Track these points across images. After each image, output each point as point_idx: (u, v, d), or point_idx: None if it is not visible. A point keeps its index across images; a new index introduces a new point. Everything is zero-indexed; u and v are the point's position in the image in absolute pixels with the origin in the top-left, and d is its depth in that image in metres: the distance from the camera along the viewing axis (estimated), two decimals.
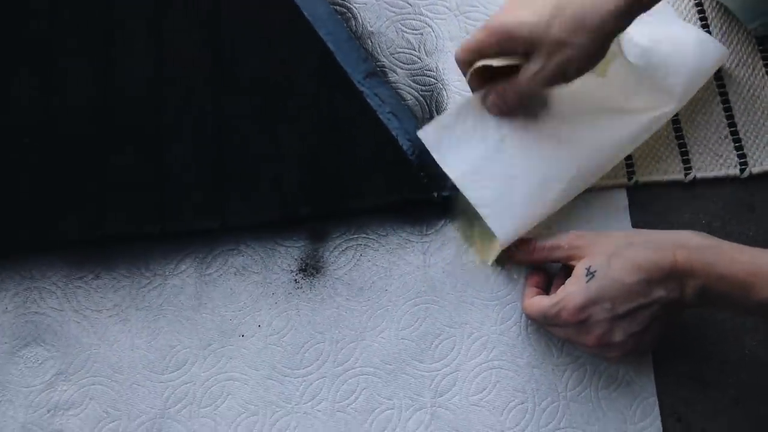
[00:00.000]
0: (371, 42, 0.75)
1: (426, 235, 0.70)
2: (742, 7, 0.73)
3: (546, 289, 0.66)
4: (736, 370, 0.66)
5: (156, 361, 0.67)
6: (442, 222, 0.70)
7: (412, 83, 0.74)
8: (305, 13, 0.75)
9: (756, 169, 0.71)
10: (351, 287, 0.68)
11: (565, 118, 0.66)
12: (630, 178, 0.71)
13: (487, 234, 0.67)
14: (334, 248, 0.70)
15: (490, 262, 0.68)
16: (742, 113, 0.73)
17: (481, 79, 0.64)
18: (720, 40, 0.74)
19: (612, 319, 0.59)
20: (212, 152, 0.71)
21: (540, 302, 0.62)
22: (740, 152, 0.71)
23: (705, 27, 0.75)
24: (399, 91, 0.74)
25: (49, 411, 0.65)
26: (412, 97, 0.73)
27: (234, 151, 0.71)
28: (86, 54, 0.74)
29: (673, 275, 0.58)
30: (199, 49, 0.74)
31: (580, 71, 0.59)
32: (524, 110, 0.66)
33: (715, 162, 0.71)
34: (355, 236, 0.70)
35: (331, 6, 0.76)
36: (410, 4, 0.77)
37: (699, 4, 0.76)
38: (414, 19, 0.76)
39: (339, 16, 0.76)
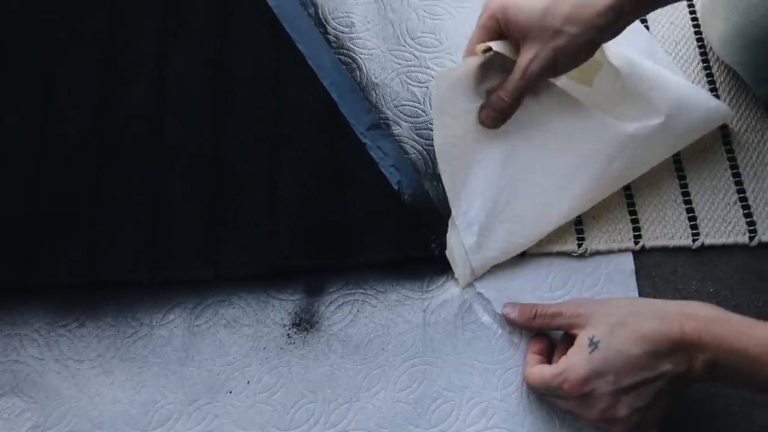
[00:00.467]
0: (375, 93, 0.74)
1: (427, 291, 0.68)
2: (751, 72, 0.72)
3: (549, 355, 0.64)
4: None
5: (138, 417, 0.64)
6: (444, 278, 0.68)
7: (416, 137, 0.73)
8: (309, 62, 0.74)
9: (766, 238, 0.69)
10: (346, 344, 0.66)
11: (553, 128, 0.67)
12: (636, 242, 0.69)
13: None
14: (330, 303, 0.68)
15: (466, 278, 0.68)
16: (751, 179, 0.72)
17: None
18: (729, 104, 0.74)
19: (616, 392, 0.56)
20: (208, 198, 0.70)
21: (541, 372, 0.60)
22: (749, 219, 0.70)
23: (713, 90, 0.75)
24: (402, 144, 0.72)
25: None
26: (415, 151, 0.72)
27: (231, 198, 0.70)
28: (83, 88, 0.73)
29: (680, 347, 0.56)
30: (200, 91, 0.73)
31: (570, 63, 0.62)
32: (516, 124, 0.67)
33: (723, 229, 0.70)
34: (353, 291, 0.68)
35: (337, 56, 0.75)
36: (416, 57, 0.76)
37: (708, 68, 0.75)
38: (420, 72, 0.76)
39: (344, 66, 0.75)
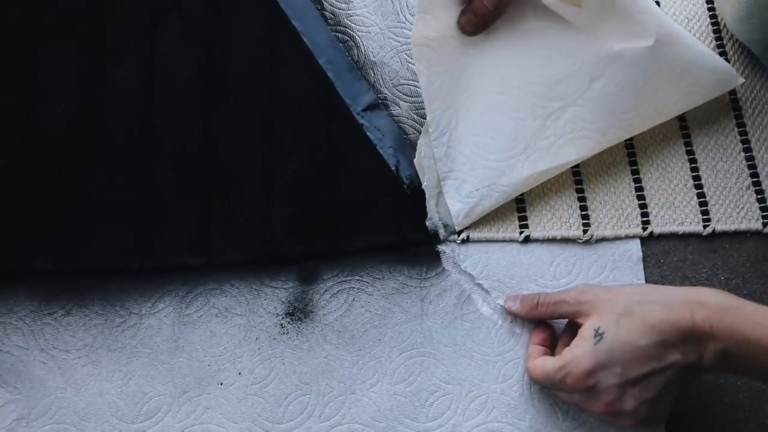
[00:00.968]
0: (374, 73, 0.72)
1: (425, 279, 0.66)
2: (767, 51, 0.69)
3: (552, 346, 0.62)
4: None
5: (126, 409, 0.62)
6: (443, 265, 0.66)
7: (415, 116, 0.71)
8: (305, 40, 0.72)
9: None
10: (341, 335, 0.64)
11: (535, 43, 0.66)
12: (644, 228, 0.67)
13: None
14: (325, 291, 0.66)
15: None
16: (765, 163, 0.69)
17: None
18: (742, 85, 0.71)
19: (622, 385, 0.54)
20: (198, 182, 0.68)
21: (544, 365, 0.58)
22: (763, 205, 0.68)
23: None
24: (401, 124, 0.70)
25: None
26: (415, 132, 0.70)
27: (222, 181, 0.68)
28: (69, 70, 0.71)
29: (690, 337, 0.54)
30: (192, 70, 0.71)
31: None
32: (496, 36, 0.67)
33: (735, 214, 0.68)
34: (348, 278, 0.66)
35: (333, 33, 0.73)
36: None
37: (721, 46, 0.73)
38: None
39: (341, 44, 0.73)
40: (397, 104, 0.71)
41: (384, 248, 0.67)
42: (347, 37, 0.73)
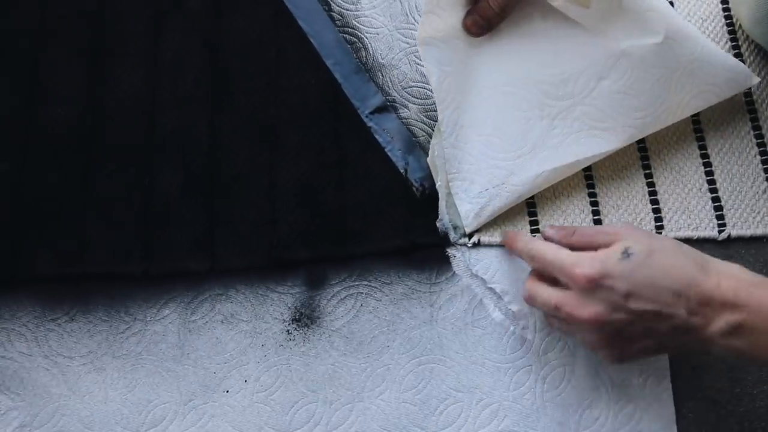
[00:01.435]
0: (382, 74, 0.71)
1: (435, 284, 0.65)
2: None
3: None
4: None
5: (131, 417, 0.62)
6: (454, 269, 0.66)
7: (425, 119, 0.70)
8: (312, 41, 0.71)
9: None
10: (349, 341, 0.64)
11: (541, 43, 0.66)
12: (658, 233, 0.66)
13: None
14: (332, 296, 0.65)
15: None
16: None
17: None
18: (759, 88, 0.70)
19: (619, 307, 0.53)
20: (203, 185, 0.67)
21: (558, 252, 0.57)
22: None
23: None
24: (410, 127, 0.69)
25: None
26: (424, 134, 0.69)
27: (227, 185, 0.67)
28: (72, 71, 0.71)
29: (707, 301, 0.53)
30: (195, 72, 0.71)
31: None
32: (501, 36, 0.66)
33: (752, 219, 0.67)
34: (356, 283, 0.65)
35: (341, 34, 0.72)
36: None
37: (736, 47, 0.72)
38: None
39: (349, 46, 0.72)
40: (406, 107, 0.70)
41: (393, 252, 0.66)
42: (355, 39, 0.72)
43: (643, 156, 0.68)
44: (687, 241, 0.66)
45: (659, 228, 0.66)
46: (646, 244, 0.55)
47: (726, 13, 0.73)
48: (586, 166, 0.67)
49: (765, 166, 0.68)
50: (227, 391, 0.62)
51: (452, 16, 0.65)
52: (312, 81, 0.70)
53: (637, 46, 0.64)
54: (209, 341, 0.63)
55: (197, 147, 0.68)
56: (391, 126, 0.69)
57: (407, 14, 0.73)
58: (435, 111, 0.69)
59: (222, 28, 0.72)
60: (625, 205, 0.67)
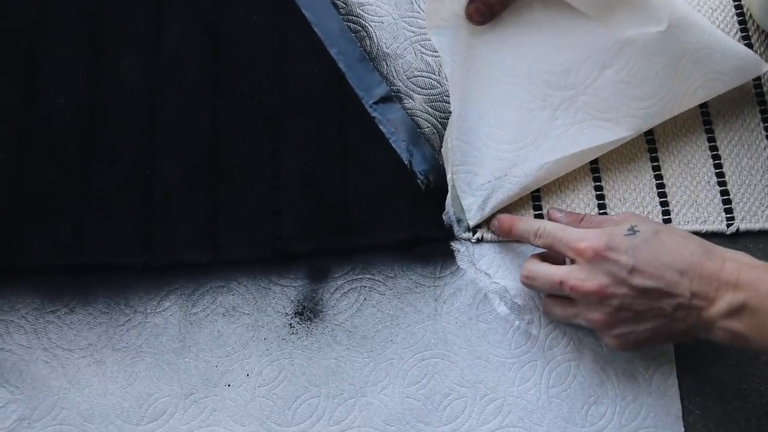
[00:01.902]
0: (387, 64, 0.70)
1: (439, 278, 0.64)
2: None
3: None
4: None
5: (131, 410, 0.61)
6: (458, 263, 0.65)
7: (429, 109, 0.69)
8: (316, 30, 0.71)
9: None
10: (352, 335, 0.63)
11: (543, 32, 0.65)
12: None
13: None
14: (336, 290, 0.64)
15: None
16: None
17: None
18: None
19: (622, 281, 0.54)
20: (205, 176, 0.67)
21: (565, 230, 0.58)
22: None
23: None
24: (415, 118, 0.69)
25: None
26: (429, 125, 0.68)
27: (229, 175, 0.67)
28: (72, 60, 0.70)
29: (710, 281, 0.53)
30: (196, 61, 0.70)
31: None
32: (504, 25, 0.66)
33: (761, 213, 0.66)
34: (360, 277, 0.64)
35: (345, 23, 0.71)
36: None
37: (747, 38, 0.71)
38: None
39: (353, 35, 0.71)
40: (410, 97, 0.69)
41: (397, 245, 0.65)
42: (359, 27, 0.71)
43: (651, 148, 0.68)
44: (695, 234, 0.64)
45: (667, 221, 0.65)
46: (653, 225, 0.56)
47: (736, 2, 0.72)
48: (590, 159, 0.66)
49: None
50: (229, 385, 0.62)
51: (455, 3, 0.64)
52: (315, 70, 0.70)
53: (640, 34, 0.63)
54: (210, 334, 0.63)
55: (199, 136, 0.68)
56: (395, 116, 0.68)
57: (412, 2, 0.72)
58: (440, 102, 0.69)
59: (224, 15, 0.71)
60: (632, 198, 0.66)
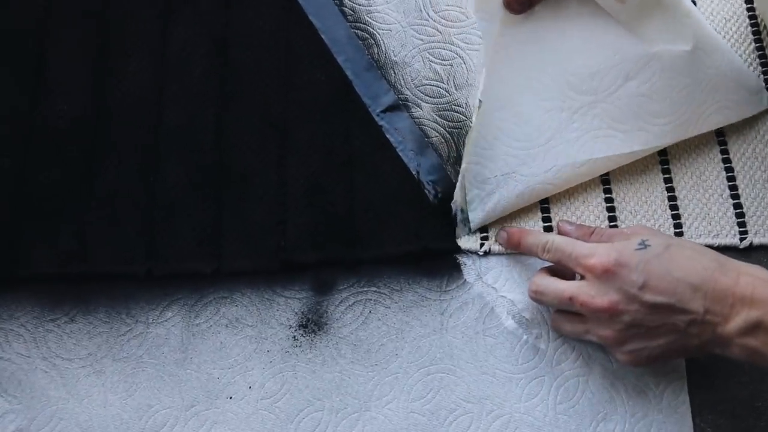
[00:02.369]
0: (394, 72, 0.70)
1: (445, 291, 0.64)
2: None
3: None
4: None
5: (131, 422, 0.60)
6: (465, 277, 0.64)
7: (438, 119, 0.68)
8: (323, 37, 0.70)
9: None
10: (357, 349, 0.62)
11: (572, 34, 0.65)
12: None
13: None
14: (340, 302, 0.63)
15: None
16: None
17: None
18: None
19: (633, 298, 0.53)
20: (210, 184, 0.66)
21: (574, 244, 0.57)
22: None
23: (766, 74, 0.70)
24: (423, 127, 0.68)
25: None
26: (437, 134, 0.68)
27: (234, 184, 0.66)
28: (77, 63, 0.70)
29: (724, 297, 0.52)
30: (203, 68, 0.70)
31: None
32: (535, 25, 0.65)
33: None
34: (365, 289, 0.64)
35: (353, 30, 0.71)
36: (440, 32, 0.71)
37: (761, 48, 0.71)
38: (444, 49, 0.71)
39: (360, 42, 0.71)
40: (418, 106, 0.69)
41: (403, 257, 0.64)
42: (367, 35, 0.71)
43: (662, 160, 0.67)
44: (708, 248, 0.64)
45: (678, 235, 0.65)
46: (664, 239, 0.55)
47: (750, 13, 0.71)
48: (597, 174, 0.66)
49: None
50: (231, 398, 0.61)
51: None
52: (322, 77, 0.69)
53: (667, 50, 0.63)
54: (213, 346, 0.62)
55: (204, 143, 0.67)
56: (403, 125, 0.68)
57: (421, 10, 0.71)
58: (449, 111, 0.69)
59: (231, 22, 0.71)
60: (644, 211, 0.66)
